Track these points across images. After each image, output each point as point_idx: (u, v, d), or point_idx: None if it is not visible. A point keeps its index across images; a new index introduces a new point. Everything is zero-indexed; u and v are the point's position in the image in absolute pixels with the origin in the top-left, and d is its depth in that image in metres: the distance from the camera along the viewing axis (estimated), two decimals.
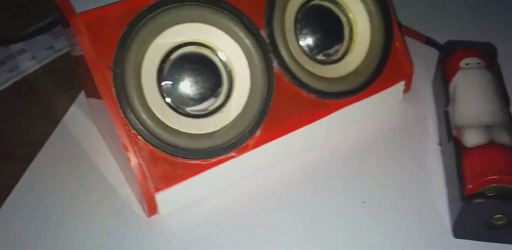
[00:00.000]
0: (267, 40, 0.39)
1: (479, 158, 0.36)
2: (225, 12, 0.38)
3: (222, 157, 0.39)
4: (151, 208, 0.38)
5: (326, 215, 0.38)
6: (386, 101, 0.46)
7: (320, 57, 0.42)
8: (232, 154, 0.39)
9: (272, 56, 0.39)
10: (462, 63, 0.43)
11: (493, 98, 0.39)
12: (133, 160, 0.36)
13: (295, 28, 0.41)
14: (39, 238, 0.38)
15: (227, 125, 0.39)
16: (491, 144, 0.36)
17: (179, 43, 0.37)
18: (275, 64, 0.40)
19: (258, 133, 0.40)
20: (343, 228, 0.37)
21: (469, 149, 0.37)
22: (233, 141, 0.39)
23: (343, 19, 0.43)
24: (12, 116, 0.49)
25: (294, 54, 0.40)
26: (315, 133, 0.43)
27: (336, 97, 0.42)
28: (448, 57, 0.45)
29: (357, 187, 0.40)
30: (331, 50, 0.43)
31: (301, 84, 0.40)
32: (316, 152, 0.43)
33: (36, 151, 0.45)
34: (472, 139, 0.37)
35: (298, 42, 0.41)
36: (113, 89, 0.35)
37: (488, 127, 0.37)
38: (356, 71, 0.43)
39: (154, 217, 0.39)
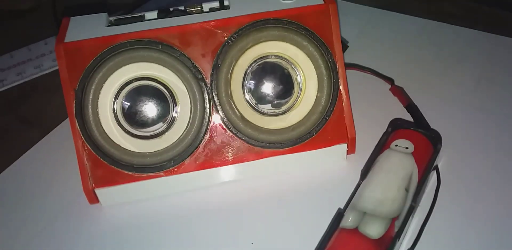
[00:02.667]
0: (209, 86, 0.46)
1: (336, 240, 0.39)
2: (178, 57, 0.45)
3: (151, 174, 0.47)
4: (91, 199, 0.48)
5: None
6: (328, 159, 0.50)
7: (263, 109, 0.47)
8: (161, 173, 0.47)
9: (212, 100, 0.46)
10: (393, 143, 0.45)
11: (390, 187, 0.42)
12: (80, 161, 0.47)
13: (244, 79, 0.46)
14: None
15: (161, 149, 0.47)
16: (353, 231, 0.39)
17: (136, 77, 0.46)
18: (214, 108, 0.46)
19: (187, 161, 0.47)
20: None
21: (340, 228, 0.40)
22: (162, 164, 0.47)
23: (295, 79, 0.47)
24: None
25: (236, 102, 0.46)
26: (243, 171, 0.49)
27: (266, 147, 0.47)
28: (391, 133, 0.47)
29: (252, 227, 0.46)
30: (275, 105, 0.47)
31: (234, 129, 0.46)
32: (239, 187, 0.49)
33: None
34: (345, 219, 0.40)
35: (244, 92, 0.46)
36: (74, 106, 0.45)
37: (364, 213, 0.40)
38: (292, 128, 0.47)
39: (96, 206, 0.49)
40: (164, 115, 0.46)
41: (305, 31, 0.46)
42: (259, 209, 0.47)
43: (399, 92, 0.55)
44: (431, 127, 0.50)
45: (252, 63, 0.46)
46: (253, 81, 0.46)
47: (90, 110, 0.45)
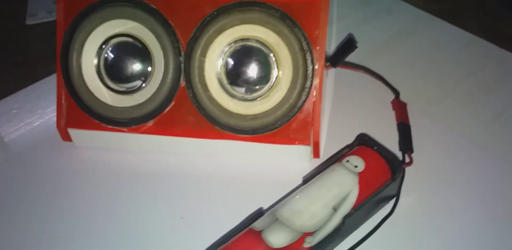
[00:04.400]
0: (183, 57, 0.46)
1: (238, 239, 0.38)
2: (161, 22, 0.46)
3: (116, 128, 0.49)
4: (64, 136, 0.51)
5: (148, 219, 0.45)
6: (291, 158, 0.48)
7: (234, 91, 0.46)
8: (124, 129, 0.49)
9: (183, 70, 0.46)
10: (346, 158, 0.42)
11: (316, 201, 0.39)
12: (59, 100, 0.49)
13: (220, 57, 0.45)
14: None
15: (130, 107, 0.48)
16: (256, 233, 0.38)
17: (122, 33, 0.47)
18: (183, 79, 0.46)
19: (150, 123, 0.48)
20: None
21: (249, 228, 0.39)
22: (126, 121, 0.48)
23: (272, 67, 0.45)
24: None
25: (207, 78, 0.46)
26: (201, 147, 0.49)
27: (226, 129, 0.46)
28: (355, 147, 0.44)
29: (185, 202, 0.46)
30: (246, 90, 0.46)
31: (199, 105, 0.46)
32: (192, 161, 0.49)
33: None
34: (259, 220, 0.39)
35: (217, 71, 0.46)
36: (61, 49, 0.48)
37: (276, 220, 0.39)
38: (255, 117, 0.46)
39: (70, 143, 0.53)
40: (139, 74, 0.47)
41: (289, 21, 0.43)
42: (200, 187, 0.47)
43: (398, 107, 0.51)
44: (413, 151, 0.46)
45: (231, 43, 0.45)
46: (229, 62, 0.45)
47: (74, 54, 0.47)
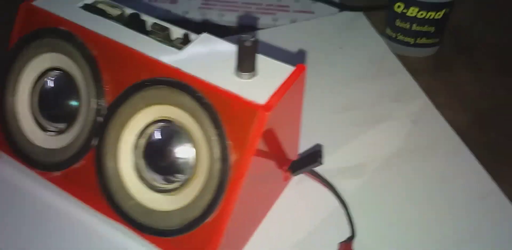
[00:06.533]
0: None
1: None
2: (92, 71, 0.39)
3: (28, 164, 0.44)
4: None
5: None
6: None
7: (147, 177, 0.38)
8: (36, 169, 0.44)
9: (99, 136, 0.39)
10: None
11: None
12: None
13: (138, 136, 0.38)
14: None
15: (46, 148, 0.43)
16: None
17: (55, 67, 0.41)
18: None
19: (58, 173, 0.42)
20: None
21: None
22: (37, 162, 0.43)
23: (188, 162, 0.36)
24: None
25: (120, 152, 0.38)
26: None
27: (124, 218, 0.39)
28: None
29: None
30: (163, 178, 0.38)
31: (102, 179, 0.39)
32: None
33: None
34: None
35: (133, 147, 0.38)
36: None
37: None
38: (160, 213, 0.37)
39: None
40: (64, 115, 0.42)
41: (215, 121, 0.34)
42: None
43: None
44: None
45: (153, 122, 0.37)
46: (150, 141, 0.38)
47: (13, 74, 0.43)
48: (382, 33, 0.59)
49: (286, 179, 0.45)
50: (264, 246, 0.41)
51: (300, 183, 0.45)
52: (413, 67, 0.56)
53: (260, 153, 0.35)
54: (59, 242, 0.41)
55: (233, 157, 0.34)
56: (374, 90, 0.54)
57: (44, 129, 0.43)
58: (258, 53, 0.35)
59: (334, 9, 0.62)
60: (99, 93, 0.39)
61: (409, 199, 0.44)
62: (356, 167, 0.47)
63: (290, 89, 0.34)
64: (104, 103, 0.39)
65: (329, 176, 0.45)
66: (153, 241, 0.39)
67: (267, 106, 0.33)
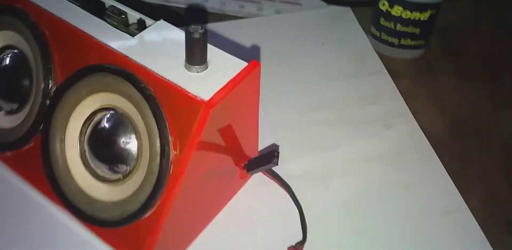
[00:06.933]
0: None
1: None
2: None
3: None
4: None
5: None
6: None
7: (92, 164, 0.37)
8: None
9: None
10: None
11: None
12: None
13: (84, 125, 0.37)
14: None
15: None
16: None
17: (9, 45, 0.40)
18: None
19: (8, 153, 0.41)
20: None
21: None
22: None
23: (131, 154, 0.35)
24: None
25: (67, 138, 0.37)
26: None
27: (67, 205, 0.38)
28: None
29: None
30: (109, 167, 0.36)
31: (48, 165, 0.38)
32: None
33: None
34: None
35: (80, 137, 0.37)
36: None
37: None
38: (105, 203, 0.36)
39: None
40: (18, 95, 0.40)
41: (157, 115, 0.32)
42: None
43: None
44: None
45: (100, 109, 0.36)
46: (95, 130, 0.36)
47: None
48: (368, 31, 0.56)
49: (243, 177, 0.43)
50: (211, 247, 0.40)
51: (261, 184, 0.44)
52: (395, 69, 0.54)
53: (204, 150, 0.33)
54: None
55: (173, 153, 0.33)
56: (349, 90, 0.51)
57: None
58: (211, 45, 0.34)
59: (322, 3, 0.60)
60: (47, 75, 0.37)
61: (368, 207, 0.43)
62: (319, 170, 0.45)
63: (239, 86, 0.32)
64: (53, 86, 0.37)
65: (291, 177, 0.43)
66: (93, 230, 0.38)
67: (210, 103, 0.31)
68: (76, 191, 0.37)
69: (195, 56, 0.32)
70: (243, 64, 0.33)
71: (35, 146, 0.40)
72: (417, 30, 0.51)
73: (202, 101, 0.31)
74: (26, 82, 0.40)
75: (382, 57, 0.55)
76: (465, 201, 0.43)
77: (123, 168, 0.36)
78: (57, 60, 0.37)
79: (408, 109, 0.50)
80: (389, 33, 0.52)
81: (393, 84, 0.52)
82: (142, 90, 0.32)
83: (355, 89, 0.52)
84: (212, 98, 0.31)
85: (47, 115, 0.38)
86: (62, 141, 0.37)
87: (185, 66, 0.33)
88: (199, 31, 0.31)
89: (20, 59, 0.40)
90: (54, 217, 0.40)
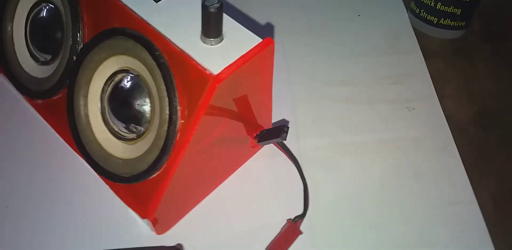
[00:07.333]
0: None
1: None
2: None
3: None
4: None
5: None
6: (131, 217, 0.41)
7: (112, 123, 0.39)
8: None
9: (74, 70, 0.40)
10: None
11: None
12: None
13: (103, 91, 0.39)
14: None
15: (35, 77, 0.44)
16: None
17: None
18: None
19: (39, 101, 0.44)
20: None
21: None
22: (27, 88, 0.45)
23: (145, 116, 0.37)
24: None
25: (90, 95, 0.39)
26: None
27: (87, 159, 0.40)
28: None
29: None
30: (125, 126, 0.38)
31: (71, 118, 0.40)
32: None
33: None
34: None
35: (103, 95, 0.39)
36: None
37: None
38: (121, 160, 0.39)
39: None
40: (52, 47, 0.42)
41: (167, 83, 0.33)
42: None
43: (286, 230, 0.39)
44: None
45: (120, 71, 0.37)
46: (113, 95, 0.38)
47: (12, 1, 0.43)
48: (408, 6, 0.54)
49: (255, 147, 0.44)
50: (214, 210, 0.42)
51: (273, 156, 0.44)
52: (430, 49, 0.52)
53: (211, 121, 0.35)
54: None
55: (181, 122, 0.34)
56: (378, 67, 0.50)
57: (34, 57, 0.44)
58: (230, 18, 0.34)
59: None
60: (75, 33, 0.39)
61: (373, 192, 0.43)
62: (331, 148, 0.45)
63: (250, 62, 0.33)
64: (80, 43, 0.39)
65: (302, 152, 0.44)
66: (107, 183, 0.41)
67: (218, 78, 0.31)
68: (94, 144, 0.40)
69: (210, 29, 0.32)
70: (258, 40, 0.33)
71: (62, 97, 0.42)
72: (458, 11, 0.49)
73: (210, 75, 0.32)
74: (59, 36, 0.42)
75: (418, 35, 0.53)
76: (475, 194, 0.42)
77: (138, 128, 0.38)
78: (86, 20, 0.39)
79: (435, 93, 0.48)
80: (428, 11, 0.50)
81: (425, 65, 0.50)
82: (156, 58, 0.33)
83: (384, 67, 0.50)
84: (220, 73, 0.32)
85: (73, 71, 0.40)
86: (86, 96, 0.40)
87: (201, 38, 0.33)
88: (215, 5, 0.31)
89: (54, 13, 0.42)
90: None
